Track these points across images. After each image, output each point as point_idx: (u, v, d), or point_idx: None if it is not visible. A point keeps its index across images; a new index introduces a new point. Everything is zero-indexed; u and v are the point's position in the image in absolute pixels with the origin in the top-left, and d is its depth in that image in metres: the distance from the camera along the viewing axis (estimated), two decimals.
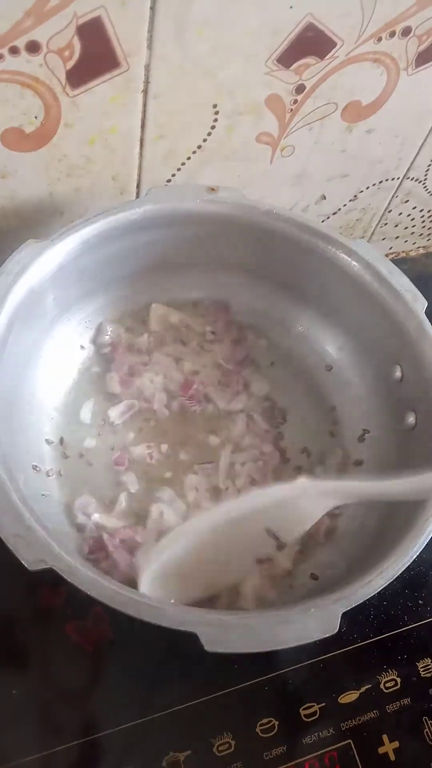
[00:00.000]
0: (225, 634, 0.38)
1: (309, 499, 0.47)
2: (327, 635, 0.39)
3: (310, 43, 0.50)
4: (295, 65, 0.52)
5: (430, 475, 0.42)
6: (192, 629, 0.38)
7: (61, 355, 0.57)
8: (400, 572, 0.42)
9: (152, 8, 0.44)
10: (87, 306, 0.58)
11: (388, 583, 0.41)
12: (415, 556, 0.42)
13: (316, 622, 0.39)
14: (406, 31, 0.52)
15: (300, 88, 0.54)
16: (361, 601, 0.40)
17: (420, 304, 0.52)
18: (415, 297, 0.52)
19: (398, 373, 0.53)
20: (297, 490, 0.47)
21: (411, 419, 0.52)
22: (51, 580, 0.48)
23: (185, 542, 0.47)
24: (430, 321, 0.52)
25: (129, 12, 0.44)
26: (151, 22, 0.45)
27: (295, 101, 0.55)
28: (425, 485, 0.43)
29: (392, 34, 0.52)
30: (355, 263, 0.53)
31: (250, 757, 0.47)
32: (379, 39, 0.52)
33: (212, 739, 0.48)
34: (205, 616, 0.39)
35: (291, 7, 0.47)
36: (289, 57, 0.51)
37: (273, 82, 0.52)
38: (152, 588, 0.46)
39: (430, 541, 0.56)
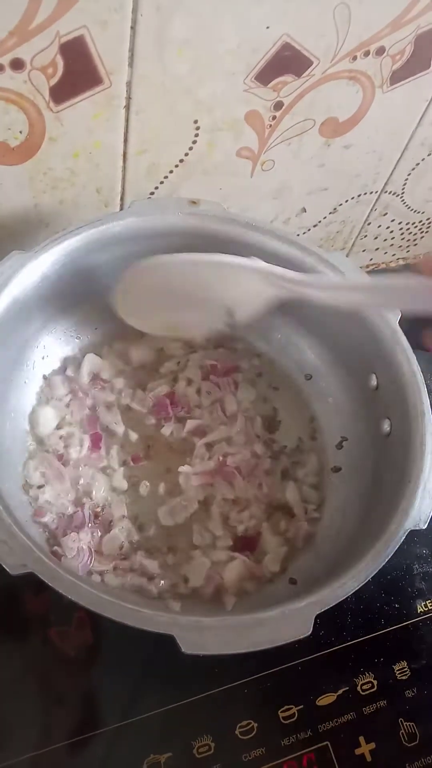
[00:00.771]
0: (201, 636, 0.39)
1: (266, 282, 0.48)
2: (301, 637, 0.40)
3: (287, 62, 0.52)
4: (273, 83, 0.53)
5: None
6: (169, 631, 0.39)
7: (46, 365, 0.58)
8: (372, 575, 0.43)
9: (133, 28, 0.46)
10: (71, 316, 0.59)
11: (360, 585, 0.42)
12: (386, 560, 0.43)
13: (290, 624, 0.40)
14: (380, 51, 0.54)
15: (278, 105, 0.55)
16: (334, 604, 0.41)
17: (393, 314, 0.53)
18: None
19: (374, 382, 0.55)
20: (256, 269, 0.48)
21: (386, 426, 0.53)
22: (34, 587, 0.50)
23: (155, 273, 0.50)
24: (403, 331, 0.53)
25: (110, 31, 0.45)
26: (132, 41, 0.47)
27: (274, 117, 0.56)
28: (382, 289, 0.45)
29: (367, 54, 0.54)
30: (331, 274, 0.54)
31: (230, 758, 0.48)
32: (354, 58, 0.54)
33: (192, 741, 0.48)
34: (182, 619, 0.40)
35: (268, 27, 0.49)
36: (267, 75, 0.52)
37: (252, 99, 0.54)
38: (128, 313, 0.52)
39: (406, 547, 0.58)
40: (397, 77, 0.57)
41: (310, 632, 0.40)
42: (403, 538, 0.44)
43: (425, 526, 0.45)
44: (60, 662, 0.50)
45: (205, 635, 0.39)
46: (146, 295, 0.52)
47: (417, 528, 0.45)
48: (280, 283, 0.47)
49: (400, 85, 0.58)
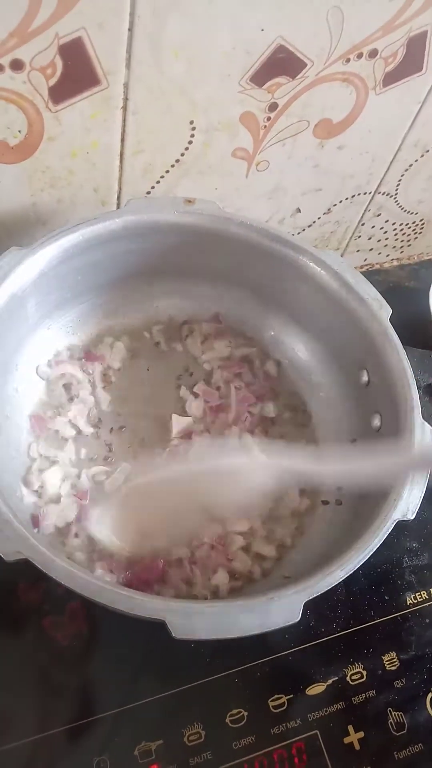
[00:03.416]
0: (192, 621, 0.40)
1: (254, 474, 0.46)
2: (289, 623, 0.41)
3: (282, 64, 0.53)
4: (267, 84, 0.54)
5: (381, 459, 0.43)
6: (161, 617, 0.39)
7: (43, 360, 0.59)
8: (360, 564, 0.43)
9: (130, 30, 0.47)
10: (68, 312, 0.60)
11: (348, 574, 0.43)
12: (374, 550, 0.44)
13: (279, 610, 0.41)
14: (373, 53, 0.55)
15: (273, 106, 0.56)
16: (322, 592, 0.42)
17: (385, 311, 0.54)
18: (380, 305, 0.54)
19: (365, 378, 0.56)
20: (243, 465, 0.47)
21: (377, 422, 0.54)
22: (29, 576, 0.51)
23: (129, 500, 0.50)
24: (394, 328, 0.54)
25: (108, 33, 0.47)
26: (129, 43, 0.48)
27: (269, 118, 0.57)
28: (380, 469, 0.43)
29: (360, 56, 0.55)
30: (324, 272, 0.56)
31: (220, 746, 0.49)
32: (348, 60, 0.55)
33: (183, 729, 0.49)
34: (174, 604, 0.41)
35: (262, 30, 0.50)
36: (261, 77, 0.53)
37: (247, 100, 0.55)
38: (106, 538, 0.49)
39: (396, 541, 0.60)
40: (389, 79, 0.58)
41: (298, 619, 0.41)
42: (391, 528, 0.45)
43: (413, 517, 0.46)
44: (52, 652, 0.51)
45: (196, 620, 0.40)
46: (125, 519, 0.50)
47: (405, 519, 0.46)
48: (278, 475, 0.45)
49: (392, 87, 0.59)
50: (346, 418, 0.59)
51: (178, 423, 0.59)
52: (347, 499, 0.56)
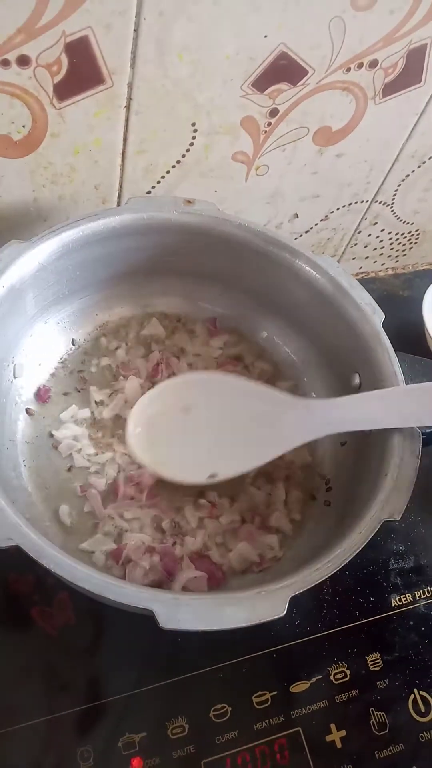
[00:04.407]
0: (179, 612, 0.40)
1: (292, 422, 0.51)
2: (275, 617, 0.41)
3: (283, 70, 0.54)
4: (269, 90, 0.55)
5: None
6: (149, 606, 0.40)
7: (39, 354, 0.60)
8: (346, 562, 0.44)
9: (136, 31, 0.48)
10: (66, 307, 0.60)
11: (334, 571, 0.43)
12: (360, 549, 0.45)
13: (265, 604, 0.41)
14: (373, 64, 0.56)
15: (274, 112, 0.57)
16: (308, 587, 0.42)
17: (378, 316, 0.55)
18: (373, 310, 0.55)
19: (357, 381, 0.56)
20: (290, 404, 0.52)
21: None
22: (19, 566, 0.51)
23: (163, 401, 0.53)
24: (387, 335, 0.55)
25: (114, 33, 0.48)
26: (135, 43, 0.49)
27: (269, 124, 0.58)
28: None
29: (360, 66, 0.56)
30: (319, 276, 0.57)
31: (203, 740, 0.49)
32: (348, 69, 0.56)
33: (167, 723, 0.50)
34: (162, 595, 0.41)
35: (266, 36, 0.51)
36: (263, 82, 0.54)
37: (248, 104, 0.56)
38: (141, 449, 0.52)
39: (382, 542, 0.60)
40: (389, 90, 0.59)
41: (284, 613, 0.41)
42: (378, 527, 0.46)
43: (399, 517, 0.46)
44: (40, 642, 0.51)
45: (183, 612, 0.40)
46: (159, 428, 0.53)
47: (391, 519, 0.46)
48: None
49: (392, 98, 0.60)
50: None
51: None
52: (335, 500, 0.57)
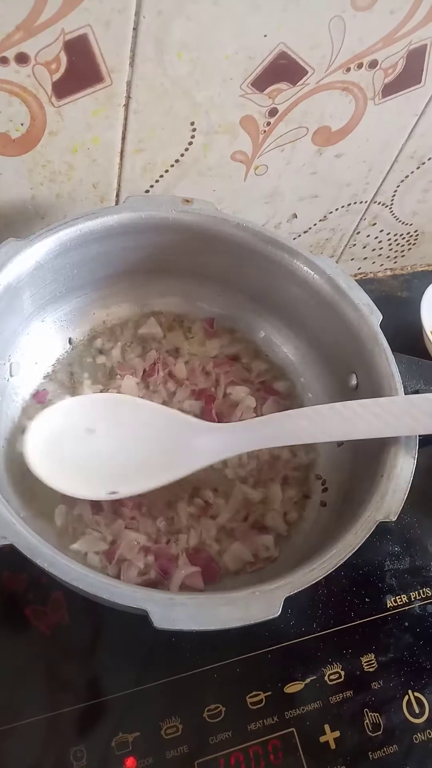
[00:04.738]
0: (173, 612, 0.40)
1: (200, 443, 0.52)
2: (270, 618, 0.41)
3: (283, 70, 0.54)
4: (268, 89, 0.55)
5: None
6: (143, 606, 0.40)
7: (36, 352, 0.60)
8: (341, 563, 0.44)
9: (135, 29, 0.48)
10: (63, 306, 0.60)
11: (329, 572, 0.43)
12: (356, 550, 0.45)
13: (259, 604, 0.41)
14: (373, 64, 0.56)
15: (273, 111, 0.57)
16: (302, 588, 0.42)
17: (376, 317, 0.55)
18: (371, 310, 0.55)
19: (354, 381, 0.56)
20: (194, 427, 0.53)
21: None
22: (13, 565, 0.51)
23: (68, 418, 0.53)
24: (385, 335, 0.55)
25: (113, 32, 0.47)
26: (134, 42, 0.48)
27: (268, 123, 0.58)
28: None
29: (360, 66, 0.56)
30: (317, 276, 0.56)
31: (197, 740, 0.49)
32: (348, 69, 0.56)
33: (160, 722, 0.50)
34: (156, 594, 0.42)
35: (265, 36, 0.51)
36: (262, 82, 0.54)
37: (247, 104, 0.56)
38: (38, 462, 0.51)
39: (378, 544, 0.60)
40: (388, 90, 0.59)
41: (278, 614, 0.41)
42: (373, 529, 0.46)
43: (395, 519, 0.46)
44: (33, 641, 0.51)
45: (177, 611, 0.40)
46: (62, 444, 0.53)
47: (387, 520, 0.46)
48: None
49: (391, 98, 0.60)
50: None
51: None
52: (331, 501, 0.57)
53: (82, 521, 0.54)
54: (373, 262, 0.84)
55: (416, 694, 0.54)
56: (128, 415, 0.55)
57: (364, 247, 0.80)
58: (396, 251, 0.83)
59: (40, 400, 0.58)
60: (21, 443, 0.52)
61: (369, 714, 0.53)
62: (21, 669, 0.50)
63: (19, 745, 0.47)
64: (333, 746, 0.51)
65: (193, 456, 0.53)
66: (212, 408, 0.60)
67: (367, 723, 0.52)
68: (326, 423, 0.50)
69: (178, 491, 0.56)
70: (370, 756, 0.51)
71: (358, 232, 0.77)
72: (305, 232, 0.74)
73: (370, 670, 0.55)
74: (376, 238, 0.79)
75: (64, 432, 0.53)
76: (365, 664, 0.55)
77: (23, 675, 0.50)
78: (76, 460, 0.53)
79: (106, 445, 0.53)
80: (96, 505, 0.54)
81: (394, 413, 0.49)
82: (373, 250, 0.81)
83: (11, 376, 0.57)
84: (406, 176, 0.70)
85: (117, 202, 0.62)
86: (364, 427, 0.49)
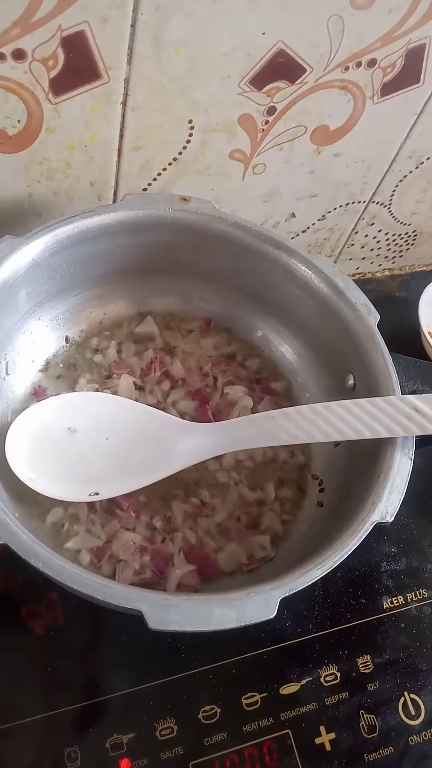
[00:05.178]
0: (168, 613, 0.40)
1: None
2: (265, 619, 0.41)
3: (281, 68, 0.54)
4: (266, 88, 0.55)
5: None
6: (138, 607, 0.39)
7: (32, 351, 0.59)
8: (337, 564, 0.44)
9: (132, 26, 0.47)
10: (59, 304, 0.60)
11: (325, 573, 0.43)
12: (352, 551, 0.44)
13: (255, 605, 0.41)
14: (372, 63, 0.56)
15: (271, 110, 0.57)
16: (298, 589, 0.42)
17: (373, 317, 0.55)
18: (369, 310, 0.55)
19: (351, 381, 0.56)
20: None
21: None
22: (7, 565, 0.51)
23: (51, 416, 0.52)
24: (382, 336, 0.55)
25: (110, 28, 0.47)
26: (132, 39, 0.48)
27: (267, 122, 0.58)
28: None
29: (358, 65, 0.56)
30: (315, 276, 0.56)
31: (192, 742, 0.49)
32: (346, 68, 0.56)
33: (155, 723, 0.49)
34: (151, 595, 0.41)
35: (263, 34, 0.51)
36: (261, 80, 0.54)
37: (246, 102, 0.56)
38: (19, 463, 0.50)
39: (375, 545, 0.60)
40: (387, 89, 0.59)
41: (274, 615, 0.41)
42: (370, 530, 0.45)
43: (391, 519, 0.46)
44: (28, 641, 0.51)
45: (172, 612, 0.40)
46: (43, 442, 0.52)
47: (384, 521, 0.46)
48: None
49: (390, 98, 0.60)
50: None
51: None
52: (328, 501, 0.57)
53: (78, 521, 0.53)
54: (371, 262, 0.84)
55: (412, 695, 0.54)
56: (110, 414, 0.55)
57: (362, 247, 0.80)
58: (394, 251, 0.83)
59: (39, 397, 0.58)
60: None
61: (365, 716, 0.53)
62: (15, 669, 0.50)
63: (14, 746, 0.47)
64: (328, 748, 0.51)
65: (176, 456, 0.53)
66: (208, 408, 0.60)
67: (362, 725, 0.52)
68: (319, 422, 0.50)
69: (174, 490, 0.56)
70: (366, 758, 0.51)
71: (357, 232, 0.77)
72: (303, 231, 0.74)
73: (366, 671, 0.54)
74: (375, 238, 0.79)
75: (46, 432, 0.53)
76: (361, 665, 0.55)
77: (18, 675, 0.50)
78: (58, 461, 0.52)
79: (87, 445, 0.53)
80: (91, 505, 0.54)
81: (389, 413, 0.49)
82: (372, 250, 0.81)
83: (7, 374, 0.56)
84: (405, 176, 0.70)
85: (114, 200, 0.61)
86: (360, 427, 0.49)
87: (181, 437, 0.54)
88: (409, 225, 0.79)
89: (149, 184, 0.61)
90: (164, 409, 0.58)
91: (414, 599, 0.59)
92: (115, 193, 0.61)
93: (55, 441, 0.53)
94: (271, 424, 0.52)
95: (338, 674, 0.54)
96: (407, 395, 0.50)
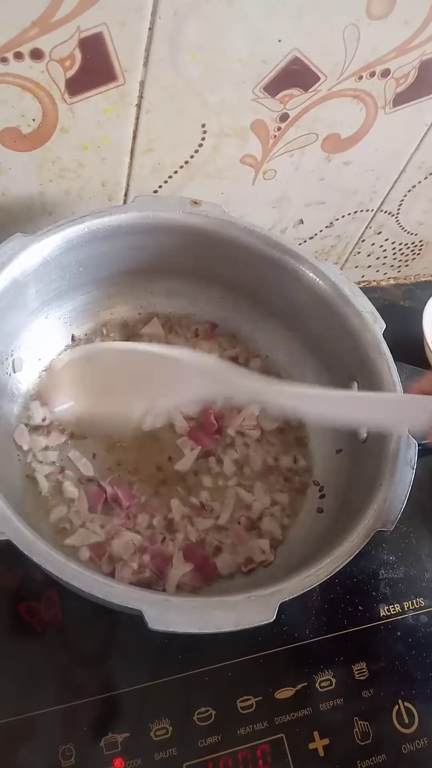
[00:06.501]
0: (168, 613, 0.40)
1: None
2: (264, 622, 0.41)
3: (296, 76, 0.54)
4: (280, 95, 0.55)
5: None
6: (138, 606, 0.40)
7: (39, 348, 0.59)
8: (337, 571, 0.44)
9: (150, 29, 0.48)
10: (67, 303, 0.60)
11: (324, 579, 0.43)
12: (351, 558, 0.45)
13: (254, 609, 0.41)
14: (385, 73, 0.56)
15: (284, 117, 0.57)
16: (297, 594, 0.42)
17: (379, 325, 0.55)
18: (375, 318, 0.55)
19: (355, 388, 0.56)
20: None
21: (364, 433, 0.55)
22: (7, 561, 0.51)
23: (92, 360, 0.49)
24: (387, 344, 0.55)
25: (128, 31, 0.47)
26: (149, 42, 0.49)
27: (279, 128, 0.58)
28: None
29: (372, 75, 0.56)
30: (321, 282, 0.56)
31: (186, 743, 0.49)
32: (360, 77, 0.56)
33: (150, 724, 0.49)
34: (151, 596, 0.41)
35: (279, 41, 0.51)
36: (275, 86, 0.54)
37: (259, 108, 0.56)
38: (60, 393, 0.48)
39: (373, 552, 0.60)
40: (400, 100, 0.59)
41: (273, 619, 0.41)
42: (370, 537, 0.46)
43: (392, 528, 0.46)
44: (26, 638, 0.51)
45: (172, 613, 0.40)
46: (80, 380, 0.49)
47: (384, 529, 0.46)
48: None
49: (402, 108, 0.60)
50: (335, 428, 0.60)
51: None
52: (328, 508, 0.57)
53: (79, 519, 0.54)
54: (377, 271, 0.84)
55: (406, 704, 0.54)
56: (135, 357, 0.50)
57: (369, 255, 0.80)
58: (400, 260, 0.83)
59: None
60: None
61: (359, 722, 0.53)
62: (11, 666, 0.50)
63: (7, 743, 0.47)
64: (322, 753, 0.51)
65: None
66: (210, 413, 0.60)
67: (356, 731, 0.52)
68: (321, 400, 0.47)
69: (174, 490, 0.56)
70: (359, 765, 0.51)
71: (364, 240, 0.77)
72: (311, 238, 0.74)
73: (362, 678, 0.55)
74: (381, 246, 0.79)
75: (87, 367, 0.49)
76: (357, 672, 0.55)
77: (13, 672, 0.50)
78: (104, 394, 0.49)
79: (124, 381, 0.49)
80: (92, 504, 0.54)
81: (392, 407, 0.47)
82: (378, 258, 0.81)
83: (14, 371, 0.57)
84: (413, 186, 0.71)
85: (125, 202, 0.62)
86: (360, 413, 0.47)
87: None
88: (416, 235, 0.79)
89: (160, 186, 0.61)
90: None
91: (411, 608, 0.59)
92: (125, 195, 0.61)
93: (96, 374, 0.49)
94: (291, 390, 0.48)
95: (333, 680, 0.54)
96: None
